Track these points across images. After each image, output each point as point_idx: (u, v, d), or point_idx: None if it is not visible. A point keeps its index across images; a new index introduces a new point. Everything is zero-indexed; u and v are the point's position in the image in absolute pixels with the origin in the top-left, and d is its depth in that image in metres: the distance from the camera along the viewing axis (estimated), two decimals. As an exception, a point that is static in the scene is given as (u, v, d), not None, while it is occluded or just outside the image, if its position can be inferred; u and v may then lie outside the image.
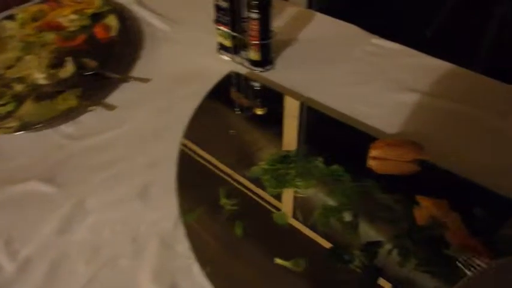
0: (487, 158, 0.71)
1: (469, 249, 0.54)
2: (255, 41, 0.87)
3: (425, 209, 0.60)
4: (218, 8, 0.88)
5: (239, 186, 0.66)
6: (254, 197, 0.65)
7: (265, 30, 0.86)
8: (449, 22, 1.09)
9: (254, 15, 0.83)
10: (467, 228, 0.57)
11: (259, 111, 0.84)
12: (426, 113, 0.80)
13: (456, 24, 1.05)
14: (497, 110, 0.78)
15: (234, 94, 0.88)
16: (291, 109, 0.82)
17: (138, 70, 0.93)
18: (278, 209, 0.62)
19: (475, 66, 0.88)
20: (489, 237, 0.56)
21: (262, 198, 0.64)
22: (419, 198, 0.62)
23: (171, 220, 0.64)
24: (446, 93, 0.83)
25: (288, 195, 0.64)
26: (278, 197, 0.64)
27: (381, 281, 0.55)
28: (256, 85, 0.88)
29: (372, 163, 0.68)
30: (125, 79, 0.90)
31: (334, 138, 0.75)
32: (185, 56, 0.96)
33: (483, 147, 0.73)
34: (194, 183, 0.68)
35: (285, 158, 0.67)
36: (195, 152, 0.73)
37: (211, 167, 0.70)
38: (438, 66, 0.89)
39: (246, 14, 0.85)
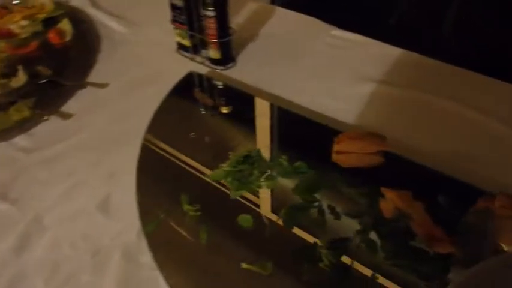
0: (451, 146, 0.71)
1: (434, 239, 0.54)
2: (213, 39, 0.85)
3: (390, 201, 0.60)
4: (174, 7, 0.86)
5: (202, 190, 0.64)
6: (218, 199, 0.63)
7: (223, 28, 0.84)
8: (412, 9, 1.08)
9: (210, 13, 0.81)
10: (432, 218, 0.57)
11: (223, 110, 0.82)
12: (389, 103, 0.80)
13: (419, 11, 1.05)
14: (460, 98, 0.79)
15: (197, 94, 0.85)
16: (255, 107, 0.80)
17: (95, 75, 0.89)
18: (243, 211, 0.60)
19: (438, 53, 0.89)
20: (454, 225, 0.56)
21: (226, 201, 0.62)
22: (384, 190, 0.61)
23: (134, 231, 0.61)
24: (407, 83, 0.83)
25: (252, 196, 0.63)
26: (242, 199, 0.62)
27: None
28: (219, 84, 0.86)
29: (336, 157, 0.67)
30: (81, 85, 0.86)
31: (299, 135, 0.74)
32: (144, 57, 0.93)
33: (446, 135, 0.74)
34: (155, 190, 0.66)
35: (247, 159, 0.65)
36: (155, 158, 0.70)
37: (172, 171, 0.68)
38: (400, 55, 0.90)
39: (202, 12, 0.82)
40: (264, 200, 0.63)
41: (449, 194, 0.62)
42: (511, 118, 0.74)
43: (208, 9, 0.81)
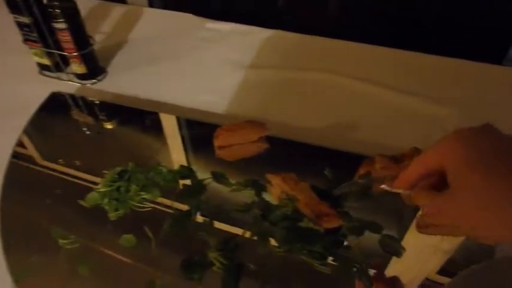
0: (331, 118, 0.72)
1: (321, 216, 0.54)
2: (73, 52, 0.77)
3: (276, 186, 0.59)
4: (21, 25, 0.77)
5: (77, 218, 0.58)
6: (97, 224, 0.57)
7: (80, 39, 0.77)
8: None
9: (61, 25, 0.74)
10: (319, 195, 0.56)
11: (96, 128, 0.75)
12: (267, 87, 0.79)
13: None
14: (334, 68, 0.80)
15: (65, 115, 0.78)
16: (132, 118, 0.75)
17: None
18: (124, 232, 0.55)
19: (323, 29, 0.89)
20: (340, 197, 0.56)
21: (105, 224, 0.57)
22: (269, 176, 0.59)
23: (7, 285, 0.53)
24: (281, 63, 0.83)
25: (132, 213, 0.58)
26: (122, 219, 0.57)
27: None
28: (88, 100, 0.79)
29: (219, 153, 0.65)
30: None
31: (180, 137, 0.70)
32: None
33: (326, 108, 0.74)
34: (22, 234, 0.57)
35: (122, 174, 0.60)
36: (18, 195, 0.62)
37: (39, 206, 0.60)
38: (273, 37, 0.90)
39: (52, 25, 0.75)
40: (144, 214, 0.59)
41: (334, 166, 0.61)
42: (383, 80, 0.77)
43: (58, 21, 0.73)
